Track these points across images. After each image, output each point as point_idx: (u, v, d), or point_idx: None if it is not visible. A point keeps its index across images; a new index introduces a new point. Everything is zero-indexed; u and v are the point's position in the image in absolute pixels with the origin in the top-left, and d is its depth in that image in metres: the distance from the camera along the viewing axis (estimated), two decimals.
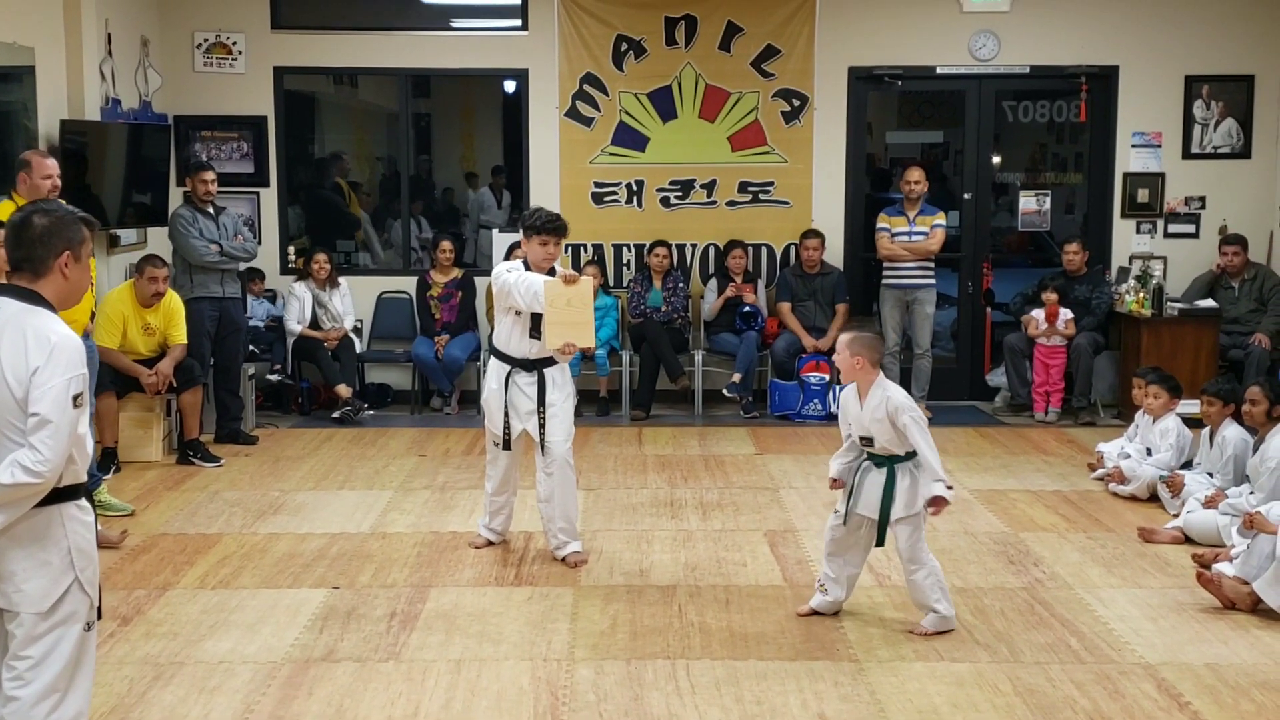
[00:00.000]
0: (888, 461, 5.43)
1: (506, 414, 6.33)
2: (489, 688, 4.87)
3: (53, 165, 7.17)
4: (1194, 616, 5.68)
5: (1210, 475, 7.14)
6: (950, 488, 5.33)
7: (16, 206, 7.03)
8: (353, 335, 10.31)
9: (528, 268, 6.27)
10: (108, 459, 8.20)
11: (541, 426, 6.26)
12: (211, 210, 9.04)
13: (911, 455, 5.41)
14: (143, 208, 9.54)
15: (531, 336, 6.24)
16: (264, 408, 10.22)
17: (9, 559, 3.50)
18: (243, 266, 9.51)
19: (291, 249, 10.85)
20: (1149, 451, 7.73)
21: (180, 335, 8.52)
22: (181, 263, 8.93)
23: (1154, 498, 7.53)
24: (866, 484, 5.46)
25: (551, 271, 6.26)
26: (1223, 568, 5.98)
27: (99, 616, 3.69)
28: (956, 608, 5.74)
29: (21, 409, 3.44)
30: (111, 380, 8.19)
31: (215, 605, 5.76)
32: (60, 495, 3.54)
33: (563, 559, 6.39)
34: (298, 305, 10.11)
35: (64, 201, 5.01)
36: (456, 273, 10.49)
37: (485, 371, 6.63)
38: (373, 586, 6.05)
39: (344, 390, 9.93)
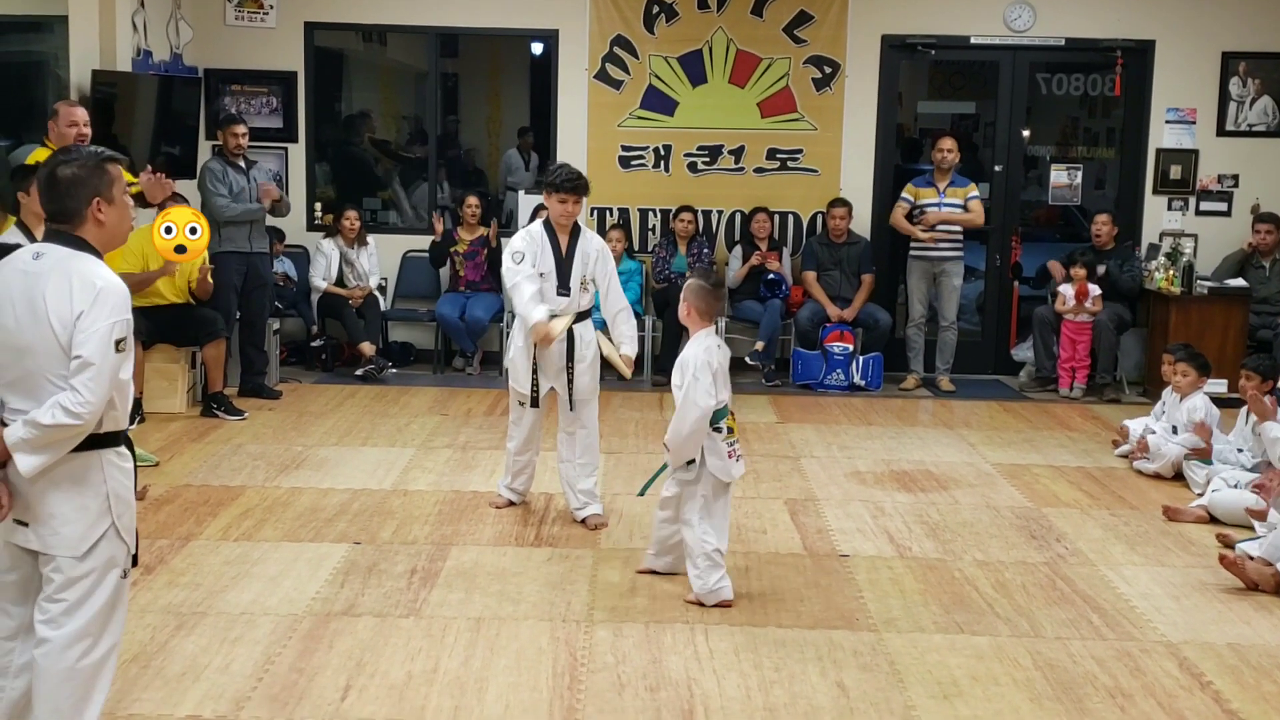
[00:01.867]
0: None
1: (535, 371, 6.29)
2: (508, 646, 4.88)
3: (80, 114, 7.27)
4: (1217, 596, 5.65)
5: (1240, 451, 7.08)
6: (667, 451, 5.32)
7: (48, 151, 7.15)
8: (377, 294, 10.31)
9: (548, 224, 6.29)
10: (133, 408, 8.20)
11: (570, 383, 6.25)
12: (243, 164, 9.04)
13: (714, 417, 5.27)
14: (172, 159, 9.52)
15: (559, 294, 6.23)
16: (287, 363, 10.24)
17: (47, 502, 3.54)
18: (270, 220, 9.49)
19: (318, 205, 10.84)
20: (1175, 430, 7.68)
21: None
22: (211, 220, 8.92)
23: (1179, 476, 7.48)
24: None
25: (574, 233, 6.31)
26: (1247, 547, 5.95)
27: (134, 564, 3.73)
28: (978, 582, 5.74)
29: (65, 353, 3.47)
30: (139, 331, 8.19)
31: (238, 557, 5.78)
32: (100, 441, 3.58)
33: (582, 521, 6.38)
34: (324, 262, 10.11)
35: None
36: (482, 230, 10.46)
37: (510, 329, 6.55)
38: (394, 543, 6.07)
39: (367, 348, 9.93)
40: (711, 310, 5.51)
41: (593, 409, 6.42)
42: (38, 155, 7.17)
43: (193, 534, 6.13)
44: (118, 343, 3.51)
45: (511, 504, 6.68)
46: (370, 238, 10.41)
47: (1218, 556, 5.90)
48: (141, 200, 7.59)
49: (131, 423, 7.93)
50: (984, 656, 4.92)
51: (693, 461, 5.29)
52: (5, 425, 3.52)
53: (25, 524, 3.57)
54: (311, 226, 10.70)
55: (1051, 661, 4.88)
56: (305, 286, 10.33)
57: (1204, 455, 7.23)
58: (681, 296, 5.53)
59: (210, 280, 8.59)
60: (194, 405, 8.80)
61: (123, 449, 3.68)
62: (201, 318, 8.65)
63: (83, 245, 3.59)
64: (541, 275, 6.20)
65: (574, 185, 6.23)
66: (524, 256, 6.18)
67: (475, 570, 5.70)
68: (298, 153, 10.73)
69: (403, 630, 5.01)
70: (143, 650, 4.74)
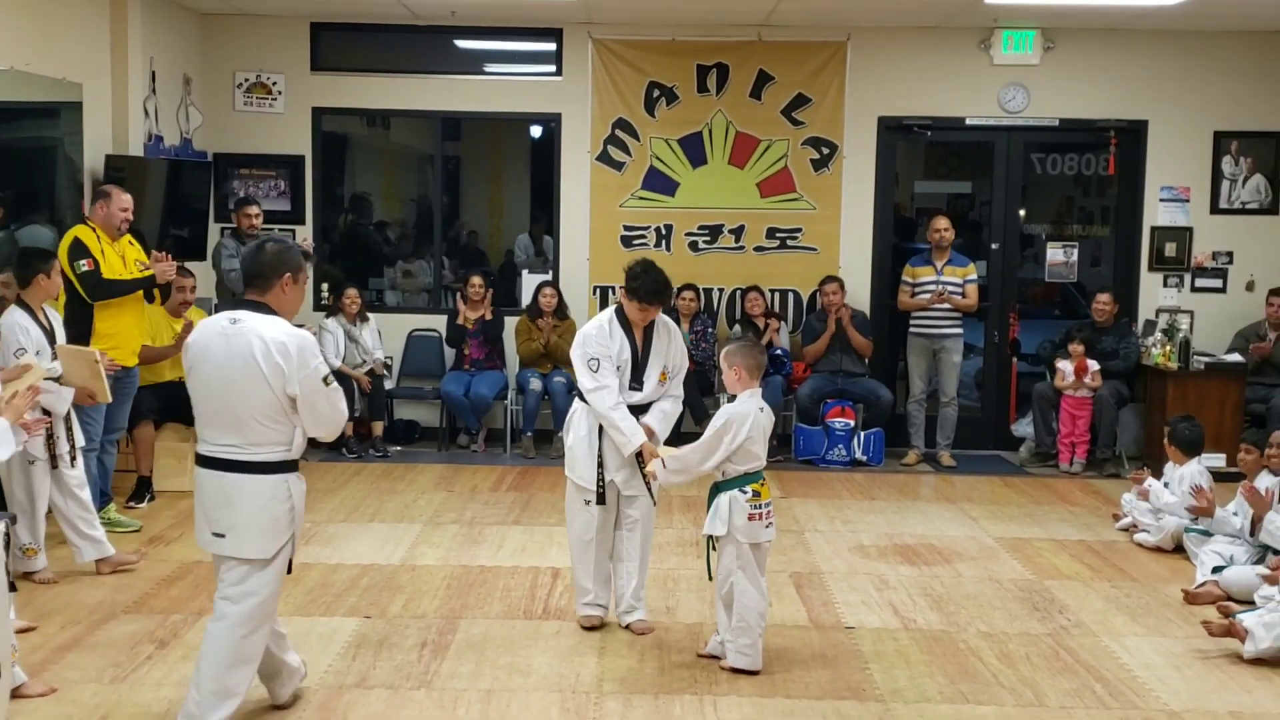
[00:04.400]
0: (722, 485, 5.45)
1: (601, 464, 5.90)
2: (519, 717, 4.93)
3: (128, 200, 7.57)
4: (1218, 665, 5.71)
5: (1236, 515, 7.10)
6: (663, 464, 5.43)
7: (90, 230, 7.35)
8: (383, 371, 10.42)
9: (620, 314, 5.93)
10: (142, 488, 8.32)
11: (641, 474, 5.85)
12: None
13: (740, 480, 5.39)
14: (180, 241, 9.67)
15: (631, 388, 5.89)
16: None
17: (241, 513, 4.44)
18: None
19: (324, 286, 10.98)
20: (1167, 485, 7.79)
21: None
22: (225, 293, 9.08)
23: (1179, 549, 7.55)
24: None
25: (649, 331, 5.95)
26: (1245, 618, 6.00)
27: (289, 570, 4.64)
28: (983, 653, 5.80)
29: (276, 398, 4.38)
30: (149, 409, 8.30)
31: None
32: (287, 466, 4.51)
33: (627, 626, 5.99)
34: (331, 340, 10.21)
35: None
36: (486, 311, 10.57)
37: (569, 419, 6.09)
38: (404, 616, 6.13)
39: (378, 427, 10.06)
40: (760, 366, 5.58)
41: (649, 505, 6.03)
42: (80, 232, 7.43)
43: (205, 609, 6.13)
44: (324, 379, 4.45)
45: (604, 619, 6.05)
46: (371, 315, 10.53)
47: (1203, 625, 5.96)
48: (152, 282, 7.73)
49: (141, 501, 8.08)
50: None
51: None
52: (202, 456, 4.52)
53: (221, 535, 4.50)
54: (318, 306, 10.84)
55: None
56: None
57: (1207, 513, 7.23)
58: (725, 364, 5.52)
59: None
60: None
61: (299, 473, 4.59)
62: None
63: (269, 311, 4.49)
64: (617, 369, 5.87)
65: (657, 297, 5.84)
66: (599, 364, 5.80)
67: (485, 643, 5.76)
68: (305, 234, 10.89)
69: (415, 702, 5.06)
70: None
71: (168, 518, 7.96)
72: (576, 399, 6.03)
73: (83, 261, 7.28)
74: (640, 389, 5.92)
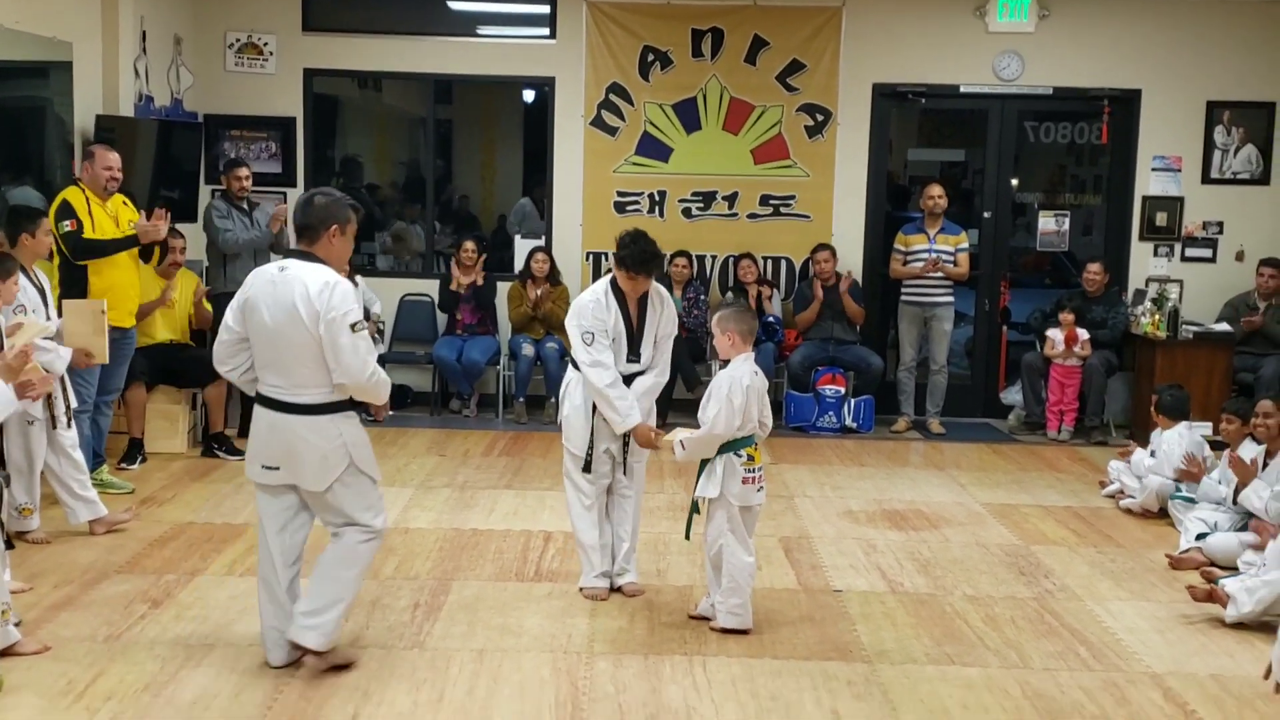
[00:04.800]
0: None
1: (592, 433, 5.92)
2: (511, 677, 4.98)
3: (114, 159, 7.54)
4: (1200, 629, 5.78)
5: (1221, 484, 7.17)
6: (682, 448, 5.42)
7: (80, 191, 7.33)
8: (377, 335, 10.41)
9: (616, 288, 5.89)
10: (134, 449, 8.34)
11: (625, 446, 5.95)
12: (245, 205, 9.18)
13: (735, 444, 5.42)
14: (171, 202, 9.62)
15: (629, 360, 5.91)
16: None
17: (293, 450, 4.76)
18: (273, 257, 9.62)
19: None
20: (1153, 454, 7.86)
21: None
22: (215, 256, 9.05)
23: (1163, 514, 7.62)
24: None
25: (644, 302, 5.94)
26: (1228, 583, 6.08)
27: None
28: (969, 615, 5.87)
29: (315, 341, 4.64)
30: (142, 371, 8.32)
31: (244, 591, 5.86)
32: (333, 407, 4.78)
33: (618, 588, 6.04)
34: None
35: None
36: (478, 276, 10.56)
37: (564, 387, 6.09)
38: (396, 578, 6.17)
39: None
40: (752, 331, 5.60)
41: (643, 471, 6.16)
42: (69, 194, 7.41)
43: (198, 569, 6.23)
44: (352, 326, 4.65)
45: (610, 589, 6.04)
46: (359, 277, 10.50)
47: (1187, 590, 6.05)
48: (135, 242, 7.66)
49: (133, 463, 8.11)
50: (974, 687, 5.03)
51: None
52: (260, 395, 4.82)
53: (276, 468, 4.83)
54: None
55: (1040, 692, 5.00)
56: None
57: (1195, 479, 7.32)
58: (717, 329, 5.54)
59: (208, 306, 8.74)
60: (195, 445, 8.90)
61: (351, 412, 4.87)
62: (203, 358, 8.70)
63: (316, 260, 4.75)
64: (613, 341, 5.87)
65: (645, 267, 5.83)
66: (594, 337, 5.80)
67: (477, 604, 5.81)
68: (296, 197, 10.83)
69: (408, 661, 5.11)
70: (154, 680, 4.84)
71: (159, 479, 8.00)
72: (571, 367, 6.03)
73: (66, 222, 7.27)
74: (638, 360, 5.93)
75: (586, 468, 5.93)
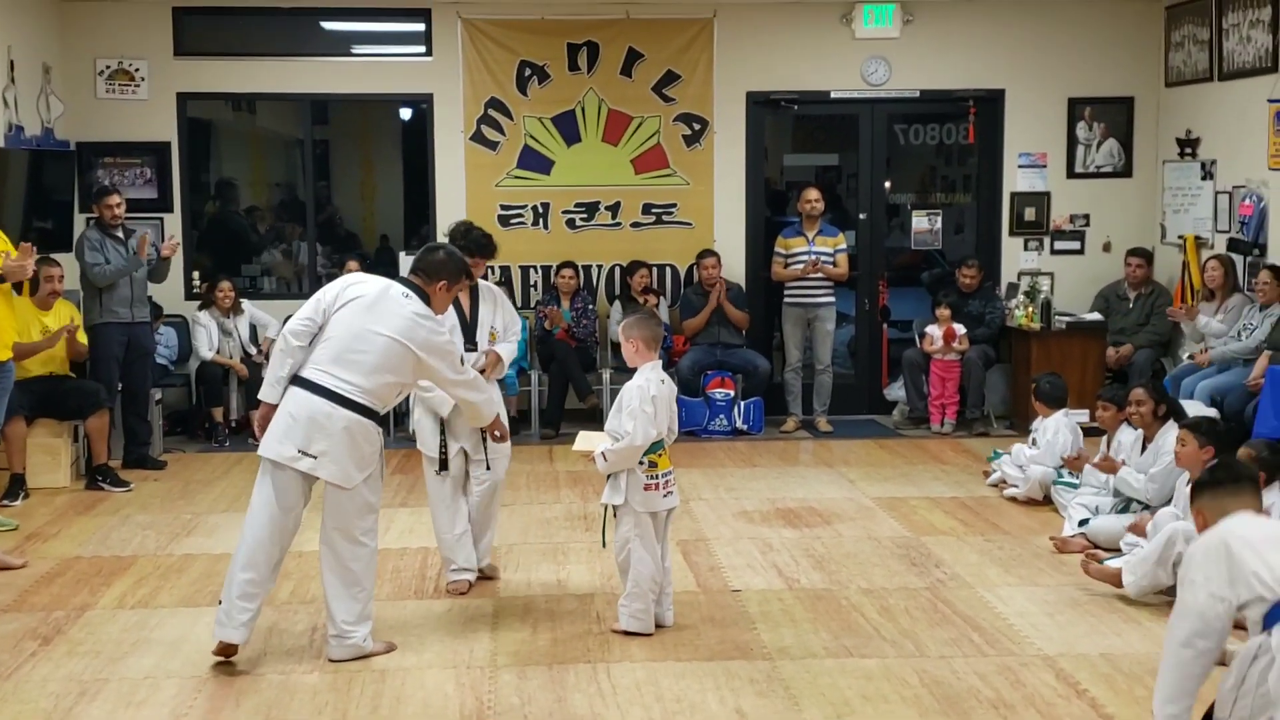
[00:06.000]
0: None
1: (443, 434, 6.18)
2: (414, 695, 4.98)
3: None
4: (1089, 611, 5.96)
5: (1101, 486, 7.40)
6: (603, 457, 5.49)
7: None
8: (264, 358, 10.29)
9: None
10: (16, 485, 8.15)
11: (483, 442, 6.17)
12: (120, 234, 9.02)
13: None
14: (44, 233, 9.46)
15: (466, 349, 6.12)
16: (171, 433, 10.18)
17: (341, 451, 5.10)
18: (153, 290, 9.46)
19: (195, 274, 10.82)
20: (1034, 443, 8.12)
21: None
22: (89, 286, 8.88)
23: (1047, 500, 7.84)
24: None
25: (475, 295, 6.28)
26: (1112, 564, 6.30)
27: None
28: (864, 608, 5.99)
29: (407, 353, 5.13)
30: (21, 405, 8.13)
31: (135, 624, 5.79)
32: (377, 415, 5.19)
33: (481, 570, 6.39)
34: (204, 334, 10.05)
35: None
36: None
37: (413, 396, 6.31)
38: (292, 603, 6.12)
39: (255, 416, 9.91)
40: (657, 338, 5.72)
41: (505, 465, 6.37)
42: None
43: (88, 604, 6.11)
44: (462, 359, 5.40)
45: (472, 582, 6.32)
46: (246, 305, 10.39)
47: (1081, 565, 6.26)
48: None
49: (15, 499, 7.91)
50: (873, 677, 5.15)
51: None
52: (312, 383, 5.14)
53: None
54: (190, 295, 10.67)
55: (937, 679, 5.13)
56: (188, 355, 10.32)
57: (1078, 468, 7.55)
58: (622, 338, 5.71)
59: (82, 339, 8.55)
60: (78, 478, 8.71)
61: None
62: (83, 389, 8.62)
63: (425, 298, 5.26)
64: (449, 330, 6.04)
65: (485, 250, 6.27)
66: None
67: (377, 624, 5.73)
68: (173, 222, 10.69)
69: (308, 685, 5.08)
70: (48, 718, 4.75)
71: (43, 514, 7.83)
72: None
73: None
74: (475, 349, 6.22)
75: (444, 466, 6.17)
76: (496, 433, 5.95)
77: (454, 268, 5.36)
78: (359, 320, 5.13)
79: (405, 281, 5.31)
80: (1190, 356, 9.38)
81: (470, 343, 6.23)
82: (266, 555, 5.23)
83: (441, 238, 10.69)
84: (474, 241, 6.20)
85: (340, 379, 5.10)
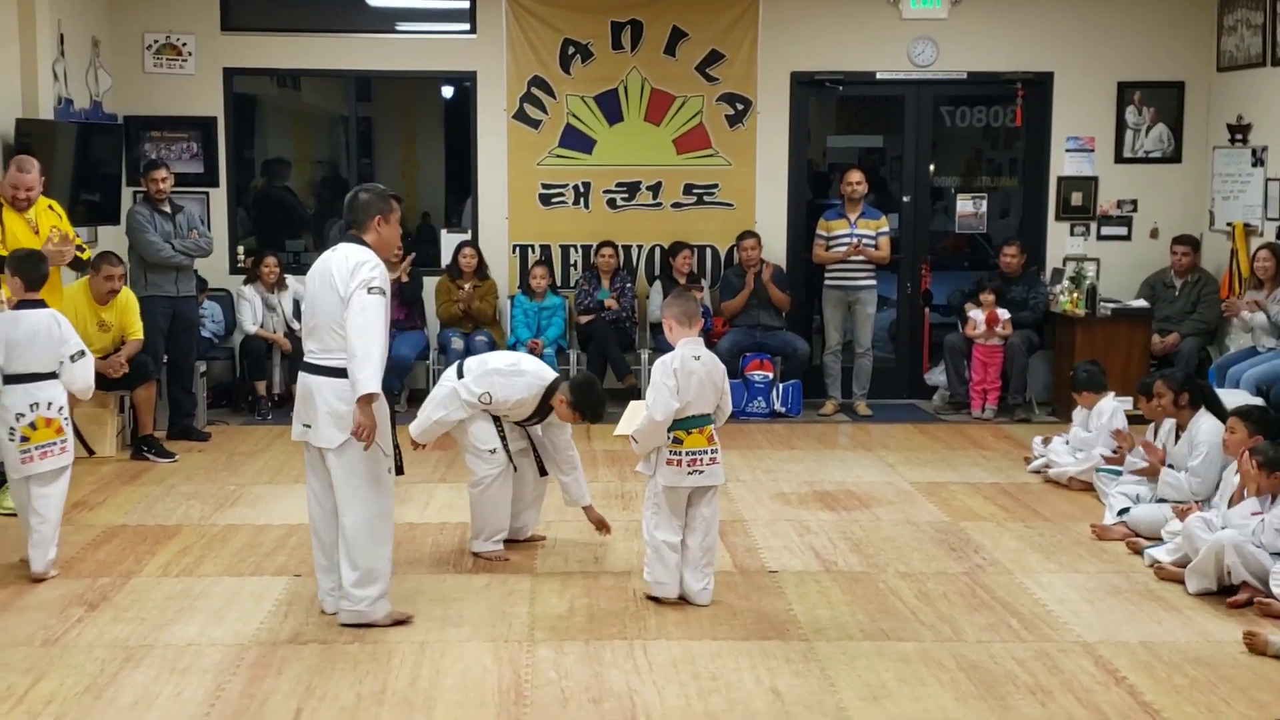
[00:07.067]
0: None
1: (499, 423, 6.46)
2: (453, 667, 5.02)
3: (25, 179, 7.66)
4: (1129, 599, 5.94)
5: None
6: (635, 442, 5.74)
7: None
8: None
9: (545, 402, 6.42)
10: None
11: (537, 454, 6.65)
12: (168, 208, 9.11)
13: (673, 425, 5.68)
14: (92, 206, 9.56)
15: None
16: (215, 406, 10.27)
17: (316, 409, 5.29)
18: (198, 264, 9.54)
19: (241, 249, 10.90)
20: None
21: (137, 330, 8.58)
22: (137, 260, 8.98)
23: (1089, 487, 7.79)
24: None
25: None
26: (1155, 553, 6.27)
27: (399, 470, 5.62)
28: (902, 592, 5.99)
29: (342, 304, 5.13)
30: None
31: (180, 592, 5.86)
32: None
33: (530, 536, 6.73)
34: (249, 308, 10.13)
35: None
36: (403, 273, 10.51)
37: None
38: None
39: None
40: (689, 314, 5.81)
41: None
42: None
43: (133, 571, 6.20)
44: (369, 289, 5.11)
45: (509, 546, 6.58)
46: (289, 278, 10.45)
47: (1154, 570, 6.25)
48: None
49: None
50: (910, 661, 5.15)
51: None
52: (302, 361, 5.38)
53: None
54: (235, 270, 10.76)
55: (974, 663, 5.12)
56: (232, 329, 10.41)
57: (1126, 443, 7.51)
58: (663, 319, 5.89)
59: (124, 362, 8.54)
60: (124, 448, 8.82)
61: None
62: (130, 361, 8.68)
63: (363, 244, 5.30)
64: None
65: (595, 414, 6.46)
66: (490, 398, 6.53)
67: (416, 596, 5.83)
68: (219, 197, 10.79)
69: (349, 655, 5.13)
70: (94, 683, 4.82)
71: (89, 483, 7.92)
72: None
73: None
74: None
75: (494, 454, 6.40)
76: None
77: (375, 200, 5.45)
78: (312, 289, 5.37)
79: (345, 238, 5.42)
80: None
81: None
82: (325, 530, 5.50)
83: (483, 217, 10.84)
84: (592, 405, 6.35)
85: (311, 349, 5.37)
